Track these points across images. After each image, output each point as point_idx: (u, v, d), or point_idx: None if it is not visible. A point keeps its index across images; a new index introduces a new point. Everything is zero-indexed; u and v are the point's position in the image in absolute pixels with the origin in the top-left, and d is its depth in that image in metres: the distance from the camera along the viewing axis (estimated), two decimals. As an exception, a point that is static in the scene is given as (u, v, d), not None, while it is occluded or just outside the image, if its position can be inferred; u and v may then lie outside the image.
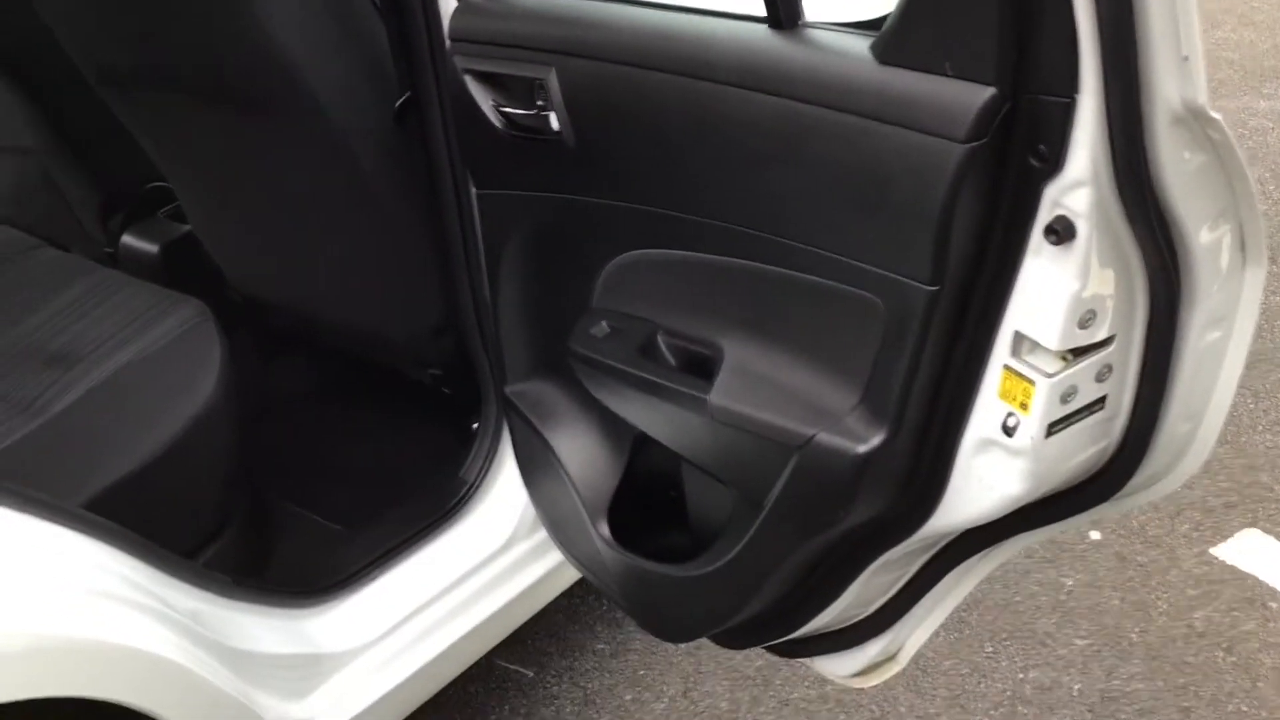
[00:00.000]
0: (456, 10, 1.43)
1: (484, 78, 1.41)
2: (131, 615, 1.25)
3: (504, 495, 1.76)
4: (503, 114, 1.41)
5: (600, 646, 2.17)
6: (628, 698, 2.07)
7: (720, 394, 1.35)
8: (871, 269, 1.20)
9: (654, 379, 1.41)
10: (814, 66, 1.18)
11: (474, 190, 1.55)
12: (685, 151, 1.31)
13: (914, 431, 1.25)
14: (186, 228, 2.18)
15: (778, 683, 2.08)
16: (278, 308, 2.12)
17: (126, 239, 2.18)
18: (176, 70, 1.71)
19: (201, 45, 1.62)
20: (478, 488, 1.76)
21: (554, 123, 1.37)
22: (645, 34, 1.30)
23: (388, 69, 1.64)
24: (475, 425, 1.82)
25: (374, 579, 1.65)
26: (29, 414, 1.55)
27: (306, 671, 1.54)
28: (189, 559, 1.49)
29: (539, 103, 1.37)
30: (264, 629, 1.50)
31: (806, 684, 2.07)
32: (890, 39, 1.13)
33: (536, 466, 1.69)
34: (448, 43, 1.44)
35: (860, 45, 1.16)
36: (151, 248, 2.16)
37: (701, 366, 1.41)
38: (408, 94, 1.62)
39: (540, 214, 1.49)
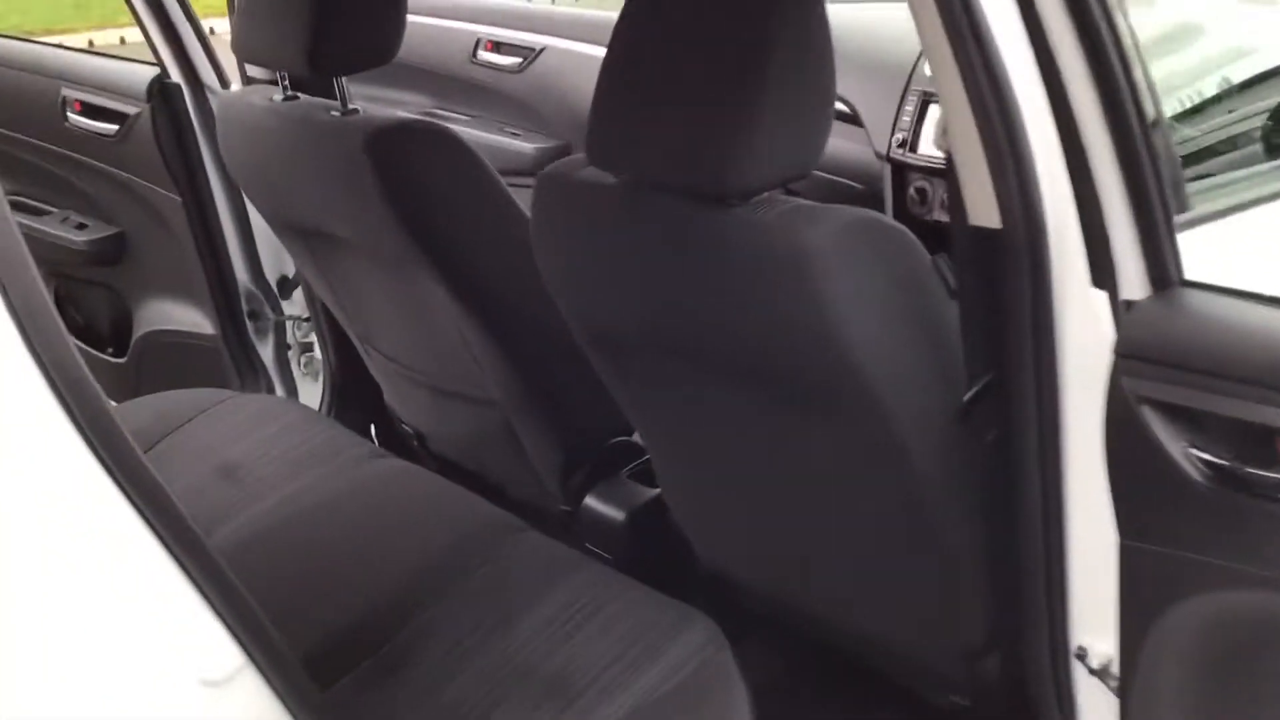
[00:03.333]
0: (1129, 318, 1.11)
1: (1174, 411, 1.07)
2: None
3: None
4: (1203, 463, 1.06)
5: None
6: None
7: None
8: None
9: None
10: None
11: (1117, 539, 1.19)
12: None
13: None
14: (654, 492, 1.95)
15: None
16: (751, 591, 1.84)
17: (590, 501, 1.98)
18: (695, 347, 1.48)
19: (740, 330, 1.38)
20: None
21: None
22: None
23: (955, 355, 1.34)
24: None
25: None
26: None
27: None
28: None
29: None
30: None
31: None
32: None
33: None
34: (1108, 356, 1.11)
35: None
36: (617, 514, 1.94)
37: None
38: (980, 385, 1.32)
39: (1243, 595, 1.11)
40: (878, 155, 2.36)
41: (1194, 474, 1.06)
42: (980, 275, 1.26)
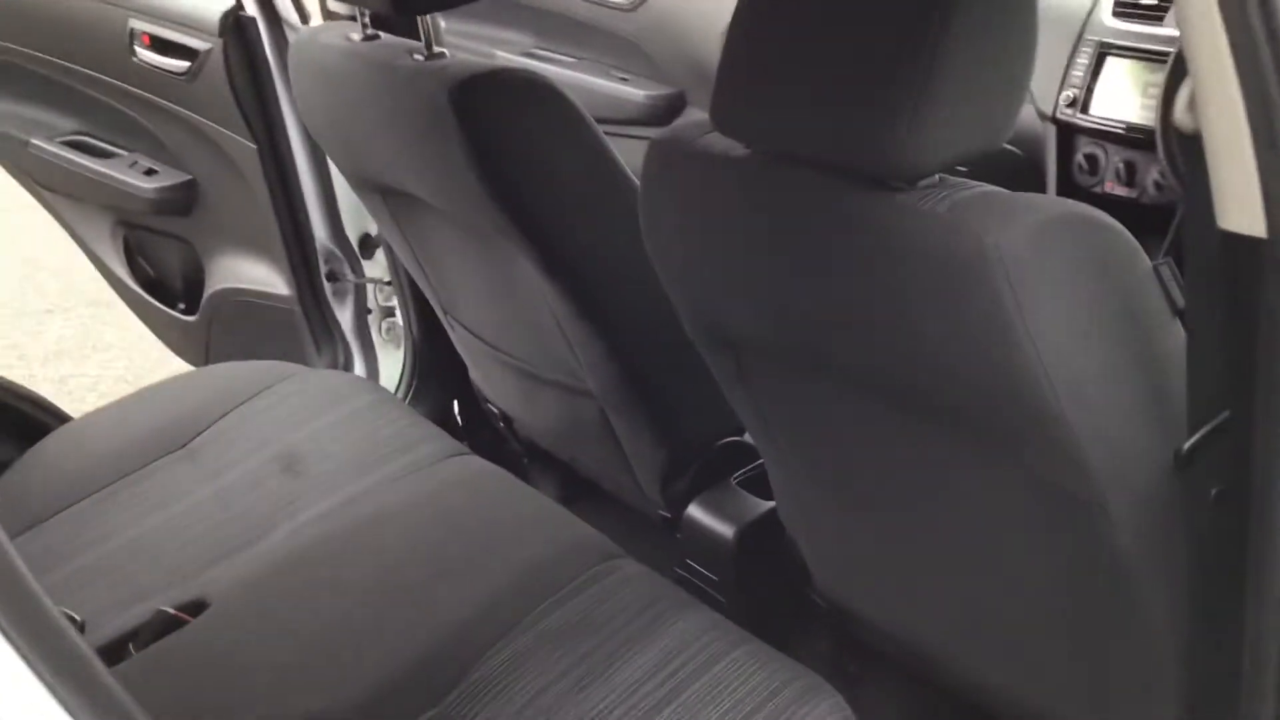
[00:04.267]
0: None
1: None
2: None
3: None
4: None
5: None
6: None
7: None
8: None
9: None
10: None
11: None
12: None
13: None
14: (767, 505, 1.69)
15: None
16: (874, 627, 1.58)
17: (694, 511, 1.72)
18: (840, 355, 1.21)
19: (902, 340, 1.10)
20: None
21: None
22: None
23: (1177, 390, 1.05)
24: None
25: None
26: None
27: None
28: None
29: None
30: None
31: None
32: None
33: None
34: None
35: None
36: (725, 529, 1.68)
37: None
38: (1208, 428, 1.03)
39: None
40: (1040, 115, 2.04)
41: None
42: (1224, 292, 0.97)
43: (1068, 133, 2.02)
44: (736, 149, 1.18)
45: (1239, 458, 1.01)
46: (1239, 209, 0.91)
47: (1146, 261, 1.04)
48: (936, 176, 1.07)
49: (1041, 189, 2.08)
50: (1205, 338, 1.01)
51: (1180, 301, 1.04)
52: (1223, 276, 0.96)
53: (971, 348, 1.03)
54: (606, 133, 1.59)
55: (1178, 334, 1.05)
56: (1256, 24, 0.84)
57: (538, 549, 1.44)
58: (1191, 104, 0.93)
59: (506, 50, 2.82)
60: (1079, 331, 1.00)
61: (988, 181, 1.07)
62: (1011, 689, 1.40)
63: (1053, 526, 1.14)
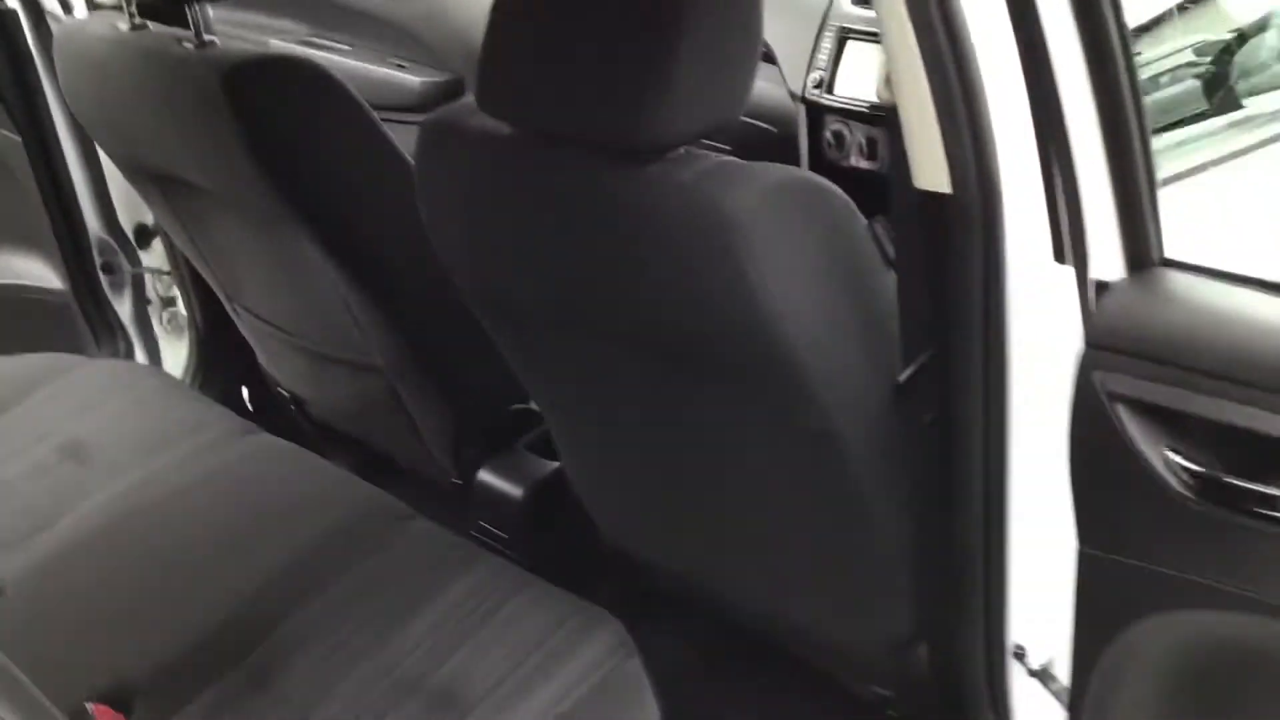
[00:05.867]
0: (1103, 303, 0.97)
1: (1152, 412, 0.94)
2: None
3: None
4: (1183, 470, 0.93)
5: None
6: None
7: None
8: None
9: None
10: None
11: (1077, 545, 1.07)
12: None
13: None
14: (553, 465, 1.80)
15: None
16: (657, 569, 1.71)
17: (484, 475, 1.81)
18: (600, 313, 1.32)
19: (651, 295, 1.22)
20: None
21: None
22: None
23: (891, 331, 1.20)
24: None
25: None
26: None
27: None
28: None
29: None
30: None
31: None
32: None
33: None
34: (1076, 344, 0.98)
35: None
36: (514, 489, 1.78)
37: None
38: (919, 363, 1.19)
39: (1219, 616, 1.00)
40: (792, 96, 2.20)
41: (1172, 482, 0.94)
42: (923, 243, 1.12)
43: (816, 112, 2.18)
44: (503, 129, 1.28)
45: (944, 388, 1.17)
46: (929, 170, 1.06)
47: (862, 220, 1.19)
48: (682, 149, 1.18)
49: (796, 164, 2.25)
50: (912, 283, 1.16)
51: (891, 253, 1.20)
52: (921, 229, 1.11)
53: (714, 301, 1.15)
54: (384, 119, 1.66)
55: (891, 282, 1.20)
56: (933, 6, 0.99)
57: (332, 514, 1.50)
58: (888, 80, 1.08)
59: (281, 39, 2.82)
60: (806, 282, 1.14)
61: (749, 158, 1.19)
62: (775, 611, 1.55)
63: (795, 459, 1.29)
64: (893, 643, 1.43)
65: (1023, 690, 1.28)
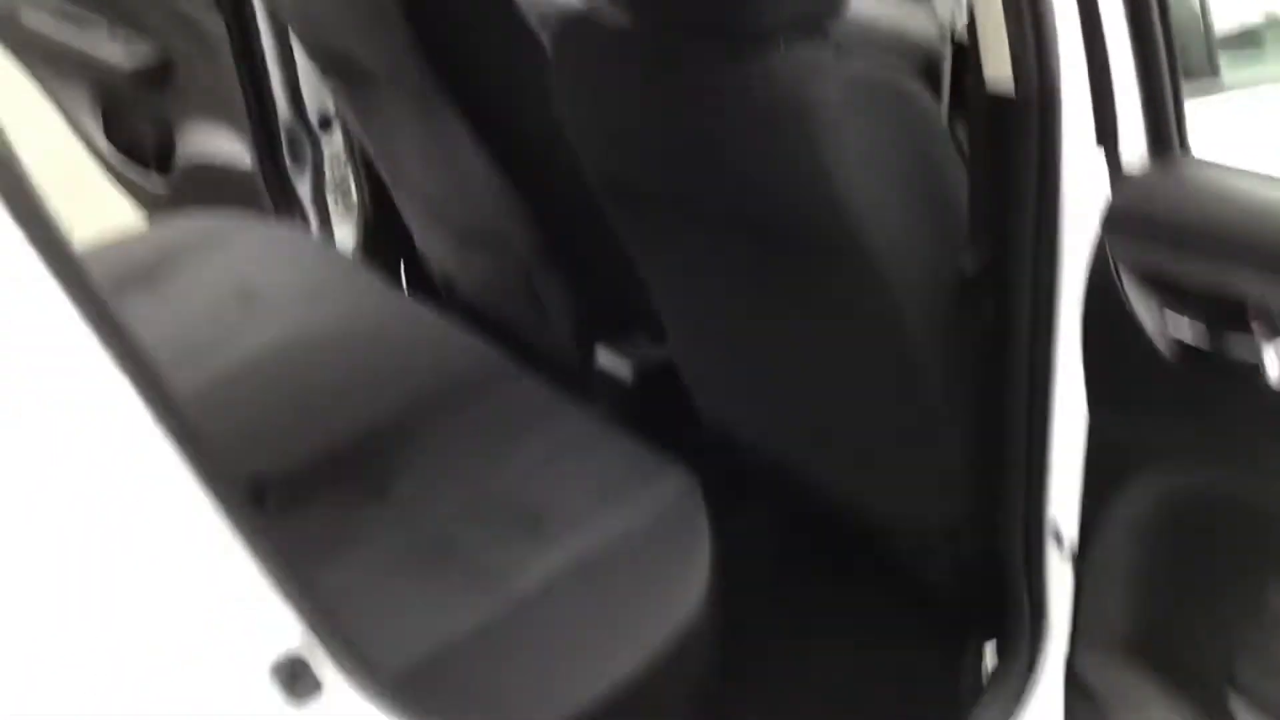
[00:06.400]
0: (1121, 182, 1.06)
1: (1150, 278, 1.03)
2: None
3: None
4: (1176, 338, 1.02)
5: None
6: None
7: None
8: None
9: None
10: None
11: (1088, 410, 1.16)
12: None
13: None
14: (663, 353, 1.94)
15: None
16: (752, 450, 1.84)
17: (602, 359, 1.98)
18: (704, 199, 1.46)
19: (746, 181, 1.35)
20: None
21: (1274, 371, 0.96)
22: None
23: (961, 228, 1.30)
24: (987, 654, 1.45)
25: None
26: (491, 590, 1.33)
27: None
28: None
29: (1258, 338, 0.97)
30: None
31: None
32: None
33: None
34: (1096, 224, 1.07)
35: None
36: (627, 371, 1.94)
37: None
38: (985, 259, 1.28)
39: (1199, 473, 1.08)
40: (943, 34, 2.25)
41: (1161, 344, 1.02)
42: (992, 143, 1.22)
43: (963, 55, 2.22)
44: (629, 23, 1.42)
45: (1003, 282, 1.27)
46: (998, 72, 1.16)
47: (942, 120, 1.29)
48: (782, 46, 1.30)
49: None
50: (980, 183, 1.26)
51: (966, 153, 1.29)
52: (989, 131, 1.21)
53: (796, 186, 1.27)
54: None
55: (963, 180, 1.30)
56: None
57: (455, 366, 1.70)
58: (969, -13, 1.17)
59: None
60: (878, 171, 1.25)
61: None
62: (851, 493, 1.67)
63: (867, 338, 1.40)
64: (948, 528, 1.53)
65: (1059, 573, 1.36)
